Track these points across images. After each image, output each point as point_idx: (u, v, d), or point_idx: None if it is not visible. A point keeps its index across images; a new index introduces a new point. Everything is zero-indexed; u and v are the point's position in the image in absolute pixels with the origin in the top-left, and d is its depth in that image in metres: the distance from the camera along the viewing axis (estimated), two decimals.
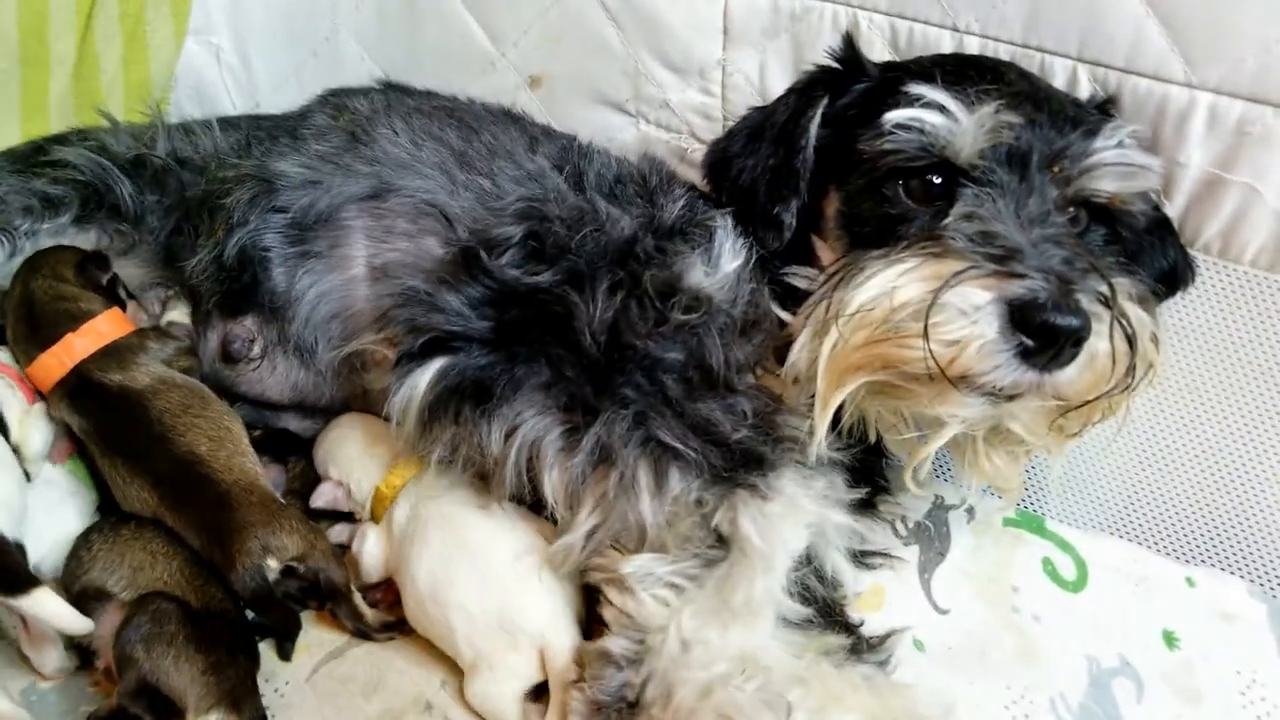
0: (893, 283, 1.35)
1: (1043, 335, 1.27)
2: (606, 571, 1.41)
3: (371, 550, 1.57)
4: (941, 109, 1.41)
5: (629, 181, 1.72)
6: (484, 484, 1.54)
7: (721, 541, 1.40)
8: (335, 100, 1.98)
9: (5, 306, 1.68)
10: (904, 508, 1.73)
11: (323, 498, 1.67)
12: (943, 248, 1.36)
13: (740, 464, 1.39)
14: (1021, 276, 1.29)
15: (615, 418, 1.41)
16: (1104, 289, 1.31)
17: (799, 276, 1.56)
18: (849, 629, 1.47)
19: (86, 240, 1.83)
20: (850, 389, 1.39)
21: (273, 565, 1.44)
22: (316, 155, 1.77)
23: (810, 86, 1.63)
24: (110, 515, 1.58)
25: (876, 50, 1.81)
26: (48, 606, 1.36)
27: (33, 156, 1.86)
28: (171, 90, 2.31)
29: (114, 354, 1.63)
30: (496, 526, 1.52)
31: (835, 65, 1.61)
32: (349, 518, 1.69)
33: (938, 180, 1.44)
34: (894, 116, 1.44)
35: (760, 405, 1.46)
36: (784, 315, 1.54)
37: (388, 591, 1.60)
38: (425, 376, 1.49)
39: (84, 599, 1.42)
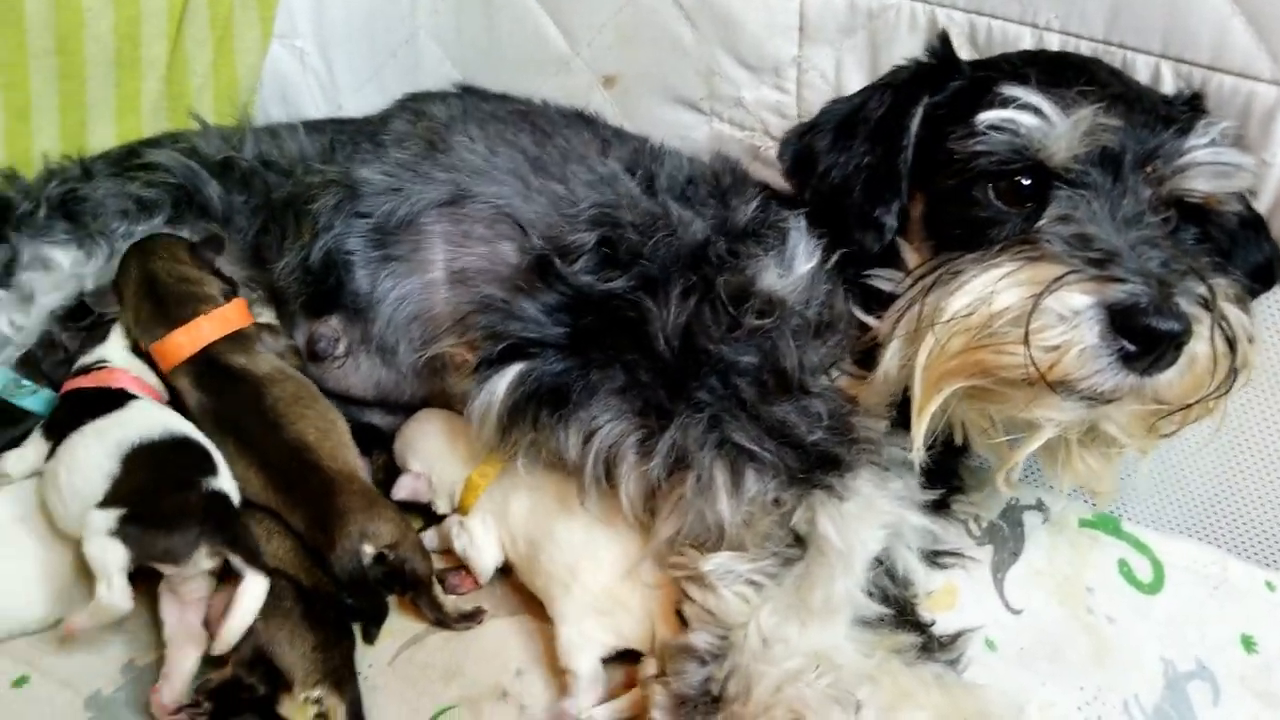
0: (990, 288, 1.34)
1: (1144, 339, 1.26)
2: (687, 569, 1.43)
3: (484, 543, 1.61)
4: (1036, 111, 1.40)
5: (701, 182, 1.74)
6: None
7: (799, 541, 1.41)
8: (414, 106, 2.02)
9: (122, 291, 1.75)
10: (978, 507, 1.72)
11: (404, 489, 1.71)
12: (1040, 251, 1.35)
13: (816, 465, 1.41)
14: (1121, 280, 1.28)
15: (690, 421, 1.43)
16: (1204, 291, 1.30)
17: (883, 279, 1.55)
18: (920, 628, 1.47)
19: None
20: (946, 394, 1.39)
21: (368, 551, 1.49)
22: (396, 163, 1.82)
23: (910, 83, 1.60)
24: None
25: (956, 48, 1.80)
26: (258, 597, 1.41)
27: (127, 160, 1.93)
28: (257, 92, 2.37)
29: (239, 340, 1.71)
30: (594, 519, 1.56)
31: (930, 62, 1.60)
32: (426, 510, 1.73)
33: (1029, 182, 1.43)
34: (987, 117, 1.43)
35: (835, 407, 1.47)
36: (866, 318, 1.54)
37: (467, 579, 1.64)
38: (503, 383, 1.53)
39: None
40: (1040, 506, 1.76)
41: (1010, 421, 1.43)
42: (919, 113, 1.56)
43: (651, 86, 2.17)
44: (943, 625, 1.51)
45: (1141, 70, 1.67)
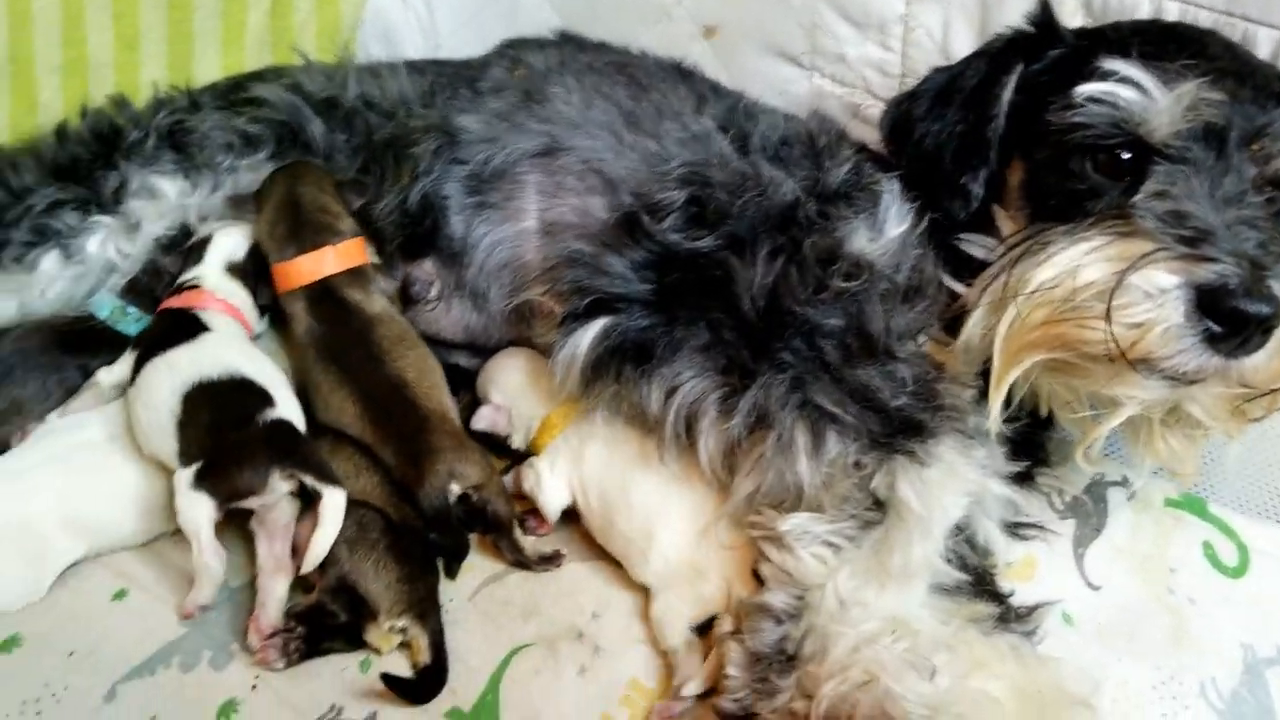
0: (1077, 261, 1.33)
1: (1231, 321, 1.24)
2: (764, 529, 1.44)
3: (550, 484, 1.62)
4: (1136, 85, 1.37)
5: (795, 142, 1.73)
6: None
7: (878, 505, 1.41)
8: (512, 54, 2.03)
9: (263, 204, 1.81)
10: (1061, 481, 1.70)
11: (483, 420, 1.74)
12: (1131, 227, 1.33)
13: (899, 430, 1.40)
14: (1212, 260, 1.26)
15: (772, 381, 1.44)
16: None
17: (977, 246, 1.54)
18: (998, 598, 1.47)
19: None
20: (1025, 366, 1.38)
21: (455, 489, 1.54)
22: (493, 112, 1.83)
23: (1005, 51, 1.58)
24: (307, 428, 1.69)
25: (1069, 15, 1.77)
26: (339, 510, 1.46)
27: (233, 93, 1.97)
28: (359, 30, 2.39)
29: (357, 276, 1.76)
30: (671, 476, 1.57)
31: (1030, 30, 1.58)
32: (510, 454, 1.75)
33: (1128, 156, 1.40)
34: (1086, 90, 1.40)
35: (921, 373, 1.46)
36: (956, 285, 1.53)
37: (545, 523, 1.67)
38: (588, 336, 1.55)
39: None
40: (1125, 484, 1.74)
41: (1093, 396, 1.42)
42: (1012, 81, 1.54)
43: (752, 38, 2.15)
44: (1020, 597, 1.50)
45: (1263, 45, 1.63)
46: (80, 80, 2.08)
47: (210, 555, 1.44)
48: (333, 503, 1.46)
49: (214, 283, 1.77)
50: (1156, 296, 1.27)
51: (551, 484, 1.62)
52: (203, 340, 1.63)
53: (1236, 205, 1.33)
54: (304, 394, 1.69)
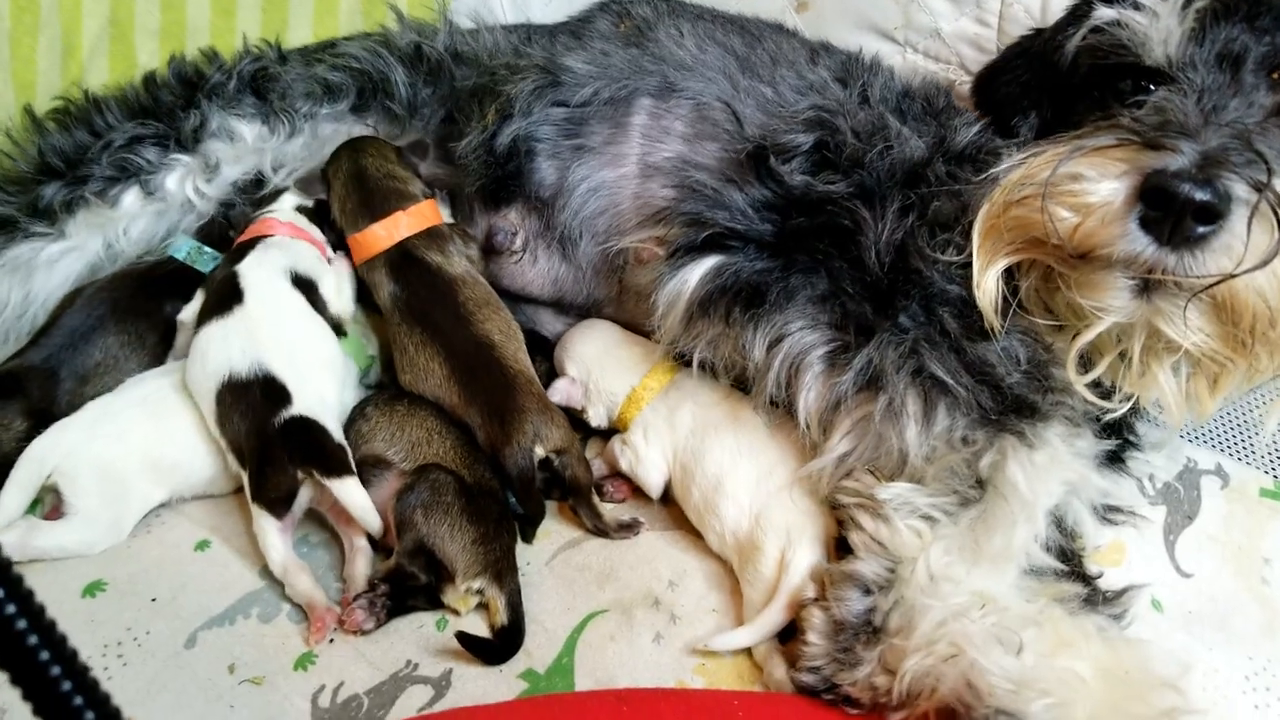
0: (1046, 155, 1.33)
1: (1162, 203, 1.21)
2: (859, 496, 1.41)
3: (648, 457, 1.62)
4: (1145, 8, 1.39)
5: (916, 98, 1.71)
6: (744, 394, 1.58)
7: (979, 483, 1.38)
8: (617, 7, 2.01)
9: (331, 181, 1.82)
10: (1154, 466, 1.66)
11: (559, 393, 1.73)
12: (1109, 127, 1.33)
13: (1011, 409, 1.38)
14: (1165, 149, 1.24)
15: (891, 342, 1.41)
16: (1261, 176, 1.22)
17: None
18: (1086, 579, 1.43)
19: (363, 127, 1.96)
20: (1000, 260, 1.37)
21: (539, 451, 1.54)
22: (601, 51, 1.82)
23: (1079, 5, 1.59)
24: (385, 390, 1.72)
25: None
26: (354, 495, 1.49)
27: (321, 51, 1.99)
28: (451, 2, 2.40)
29: (434, 237, 1.76)
30: (752, 440, 1.55)
31: None
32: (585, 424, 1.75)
33: (1139, 79, 1.42)
34: (1102, 13, 1.43)
35: (1034, 353, 1.42)
36: None
37: (622, 487, 1.67)
38: (698, 271, 1.53)
39: (364, 466, 1.55)
40: (1219, 472, 1.69)
41: (1073, 307, 1.37)
42: (1079, 33, 1.52)
43: (845, 12, 2.12)
44: (1109, 580, 1.46)
45: None
46: (177, 44, 2.13)
47: (279, 567, 1.48)
48: (343, 492, 1.48)
49: (287, 215, 1.81)
50: (1100, 180, 1.25)
51: (649, 457, 1.62)
52: (233, 316, 1.63)
53: (1233, 121, 1.30)
54: (389, 363, 1.73)
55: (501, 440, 1.55)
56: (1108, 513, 1.56)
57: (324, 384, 1.63)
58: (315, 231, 1.81)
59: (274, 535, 1.48)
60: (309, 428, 1.54)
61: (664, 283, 1.56)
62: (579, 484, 1.59)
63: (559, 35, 1.92)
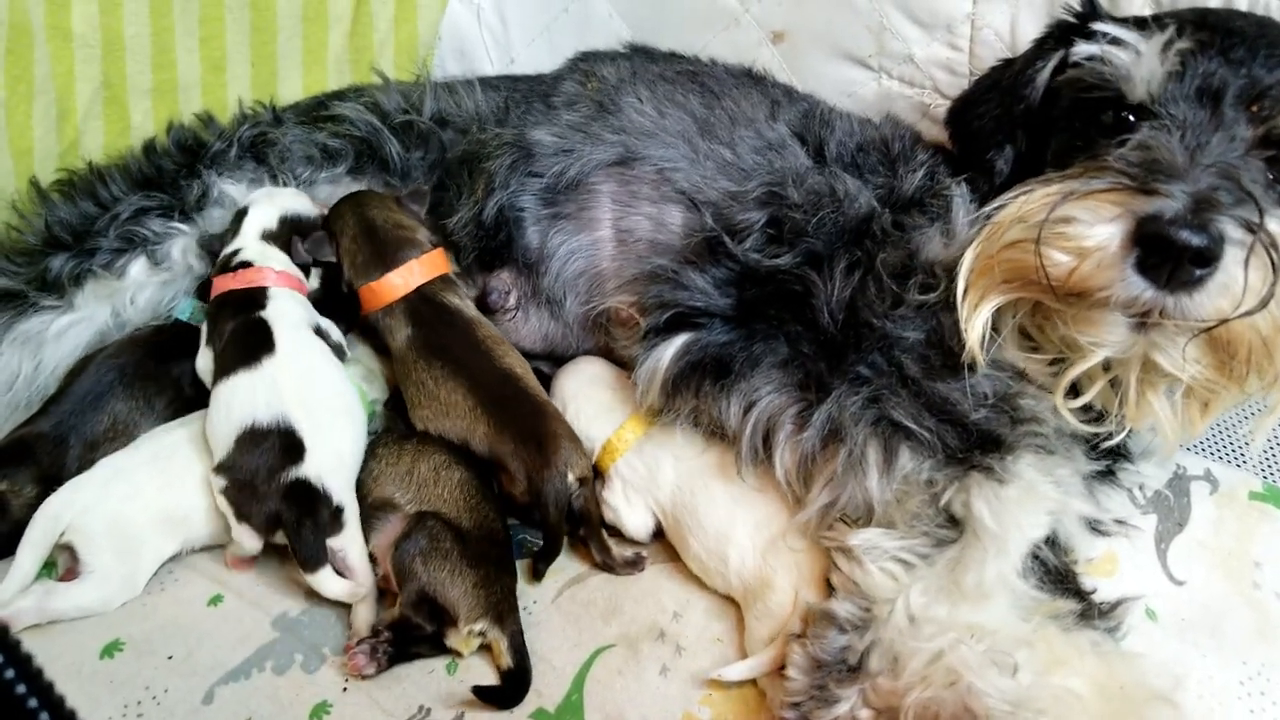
0: (1039, 199, 1.36)
1: (1159, 250, 1.24)
2: (836, 541, 1.45)
3: (627, 514, 1.65)
4: (1125, 44, 1.42)
5: (872, 149, 1.75)
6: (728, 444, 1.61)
7: (954, 522, 1.41)
8: (584, 66, 2.07)
9: (339, 238, 1.84)
10: (1143, 475, 1.68)
11: None
12: (1099, 170, 1.35)
13: (977, 445, 1.41)
14: (1159, 195, 1.27)
15: (847, 395, 1.45)
16: (1252, 216, 1.25)
17: None
18: (1080, 594, 1.46)
19: (359, 187, 1.99)
20: (992, 302, 1.40)
21: (571, 477, 1.57)
22: (567, 124, 1.87)
23: (1045, 39, 1.63)
24: (392, 431, 1.75)
25: (1139, 4, 1.76)
26: (327, 585, 1.53)
27: (315, 110, 2.04)
28: (436, 48, 2.45)
29: (448, 282, 1.81)
30: (744, 487, 1.59)
31: (1071, 20, 1.59)
32: None
33: (1118, 113, 1.44)
34: (1082, 49, 1.47)
35: (1001, 386, 1.46)
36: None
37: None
38: (669, 350, 1.58)
39: (373, 510, 1.59)
40: (1208, 478, 1.72)
41: (1066, 341, 1.41)
42: (1048, 66, 1.58)
43: (820, 42, 2.16)
44: (1103, 593, 1.49)
45: None
46: (170, 102, 2.18)
47: (245, 540, 1.57)
48: (316, 583, 1.53)
49: (255, 251, 1.81)
50: (1094, 224, 1.28)
51: (630, 515, 1.65)
52: (262, 368, 1.65)
53: (1217, 158, 1.33)
54: (399, 405, 1.77)
55: (540, 464, 1.57)
56: (1098, 524, 1.58)
57: (345, 435, 1.65)
58: (293, 269, 1.83)
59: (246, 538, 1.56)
60: (309, 501, 1.55)
61: (641, 363, 1.62)
62: (591, 517, 1.62)
63: (534, 102, 1.97)
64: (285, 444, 1.57)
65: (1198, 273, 1.25)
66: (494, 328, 1.79)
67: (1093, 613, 1.43)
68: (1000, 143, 1.61)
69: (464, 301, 1.80)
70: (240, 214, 1.85)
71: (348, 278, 1.83)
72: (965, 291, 1.42)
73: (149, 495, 1.58)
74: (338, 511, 1.56)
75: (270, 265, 1.79)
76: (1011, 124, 1.60)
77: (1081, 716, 1.23)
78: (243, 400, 1.62)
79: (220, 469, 1.57)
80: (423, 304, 1.77)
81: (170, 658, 1.47)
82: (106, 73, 2.10)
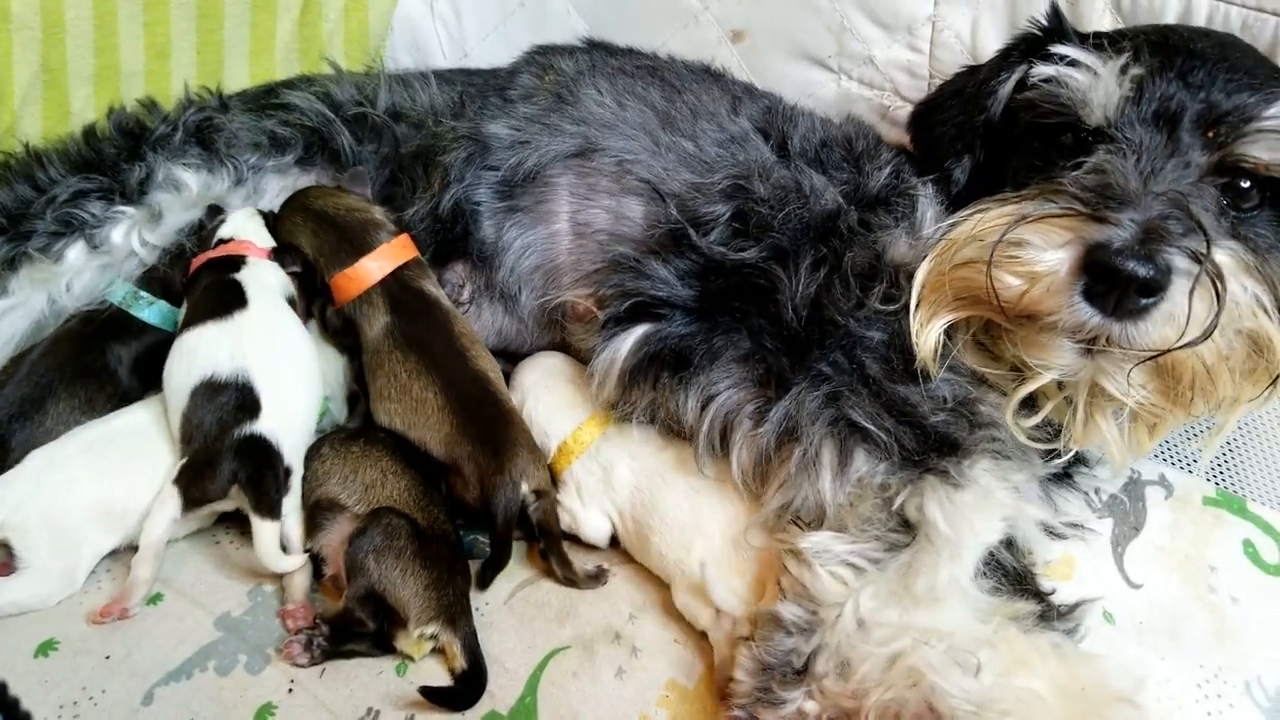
0: (992, 220, 1.37)
1: (1106, 278, 1.26)
2: (787, 544, 1.42)
3: (584, 519, 1.62)
4: (1083, 66, 1.43)
5: (835, 146, 1.74)
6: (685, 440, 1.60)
7: (907, 526, 1.39)
8: (541, 59, 2.04)
9: (298, 240, 1.80)
10: (1099, 479, 1.69)
11: None
12: (1053, 193, 1.36)
13: (933, 448, 1.40)
14: (1110, 223, 1.28)
15: (806, 393, 1.44)
16: (1199, 246, 1.27)
17: None
18: (1039, 596, 1.45)
19: (307, 180, 1.95)
20: (943, 318, 1.41)
21: (525, 487, 1.54)
22: (524, 116, 1.85)
23: (1009, 51, 1.63)
24: (340, 431, 1.72)
25: (1098, 15, 1.77)
26: (265, 539, 1.50)
27: (264, 98, 1.99)
28: (388, 39, 2.40)
29: (423, 267, 1.77)
30: (704, 480, 1.57)
31: (1037, 33, 1.59)
32: None
33: (1075, 135, 1.45)
34: (1040, 71, 1.47)
35: (962, 391, 1.45)
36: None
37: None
38: (628, 342, 1.56)
39: (318, 509, 1.55)
40: (1163, 482, 1.73)
41: (1017, 360, 1.42)
42: (1011, 79, 1.58)
43: (780, 42, 2.15)
44: (1061, 595, 1.49)
45: None
46: (112, 89, 2.11)
47: (148, 559, 1.48)
48: (259, 531, 1.49)
49: (240, 228, 1.79)
50: (1045, 249, 1.30)
51: (587, 519, 1.62)
52: (233, 320, 1.64)
53: (1169, 184, 1.34)
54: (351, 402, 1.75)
55: (493, 470, 1.54)
56: (1054, 529, 1.58)
57: (302, 399, 1.64)
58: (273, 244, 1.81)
59: (167, 515, 1.49)
60: (264, 453, 1.54)
61: (598, 354, 1.59)
62: (551, 529, 1.58)
63: (489, 96, 1.94)
64: (241, 400, 1.56)
65: (1143, 302, 1.27)
66: (467, 322, 1.76)
67: (1052, 614, 1.43)
68: (959, 152, 1.62)
69: (440, 291, 1.76)
70: (218, 222, 1.83)
71: (321, 270, 1.78)
72: (918, 306, 1.42)
73: (84, 487, 1.53)
74: (287, 472, 1.55)
75: (253, 240, 1.78)
76: (972, 134, 1.61)
77: (1044, 717, 1.22)
78: (208, 350, 1.60)
79: (181, 445, 1.55)
80: (403, 291, 1.73)
81: (108, 657, 1.42)
82: (46, 57, 2.03)
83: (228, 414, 1.54)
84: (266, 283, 1.73)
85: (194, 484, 1.51)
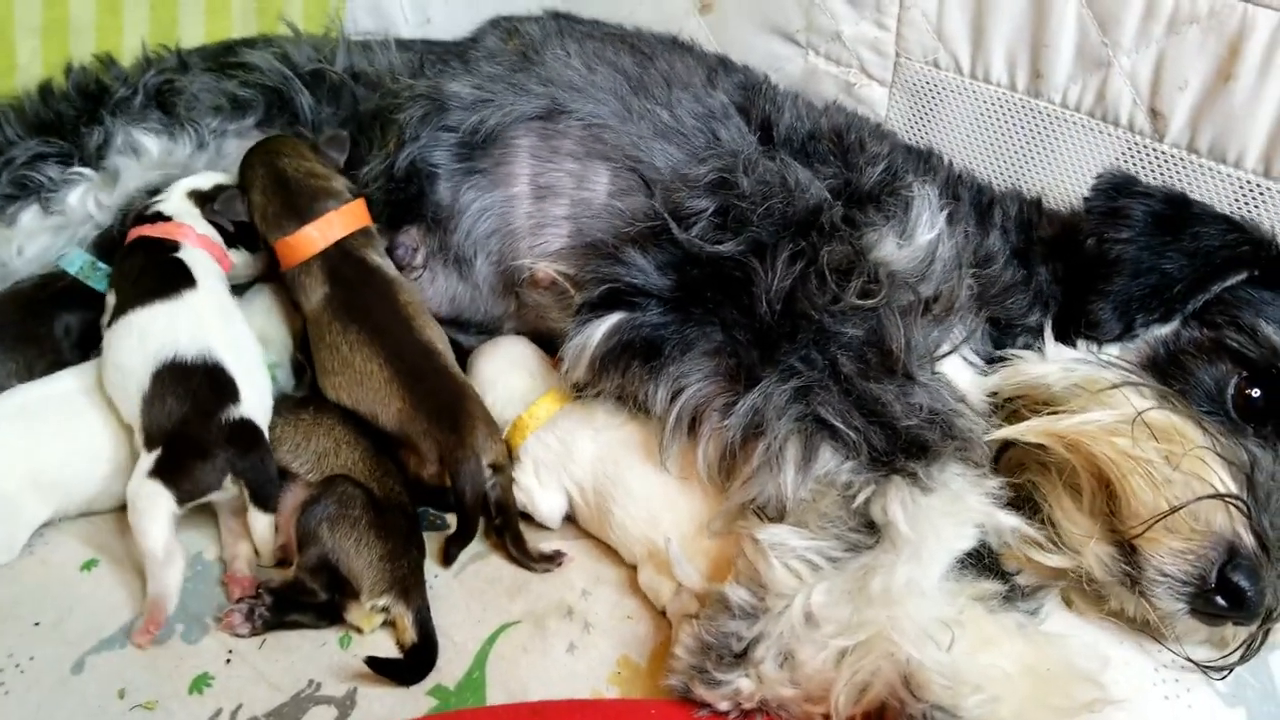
0: (1184, 430, 1.40)
1: (1234, 595, 1.31)
2: (746, 530, 1.39)
3: (540, 497, 1.59)
4: None
5: (822, 138, 1.71)
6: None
7: (871, 528, 1.35)
8: (506, 24, 2.01)
9: (249, 190, 1.74)
10: None
11: None
12: (1233, 457, 1.38)
13: (903, 449, 1.36)
14: (1260, 540, 1.32)
15: (775, 388, 1.40)
16: None
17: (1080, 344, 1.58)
18: (1004, 576, 1.43)
19: None
20: (1039, 443, 1.45)
21: (485, 461, 1.50)
22: (488, 75, 1.80)
23: (1245, 251, 1.56)
24: (288, 399, 1.67)
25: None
26: (262, 530, 1.47)
27: (223, 56, 1.94)
28: (348, 1, 2.35)
29: (369, 236, 1.71)
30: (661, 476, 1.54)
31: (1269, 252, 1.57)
32: None
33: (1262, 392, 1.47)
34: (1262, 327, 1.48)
35: (939, 405, 1.42)
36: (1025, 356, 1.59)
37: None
38: (601, 328, 1.51)
39: None
40: None
41: (1059, 535, 1.44)
42: (1230, 281, 1.54)
43: (748, 14, 2.13)
44: (1022, 577, 1.46)
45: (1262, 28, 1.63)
46: (60, 43, 2.04)
47: (164, 557, 1.41)
48: (256, 522, 1.46)
49: (177, 208, 1.72)
50: (1201, 516, 1.33)
51: (543, 496, 1.58)
52: (183, 300, 1.58)
53: None
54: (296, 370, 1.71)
55: (455, 445, 1.49)
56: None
57: (264, 381, 1.59)
58: (214, 236, 1.73)
59: (163, 515, 1.41)
60: (257, 440, 1.48)
61: (570, 338, 1.54)
62: (508, 506, 1.54)
63: (450, 60, 1.90)
64: (214, 382, 1.50)
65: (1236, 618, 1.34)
66: (416, 292, 1.70)
67: (1016, 595, 1.41)
68: (1156, 314, 1.54)
69: (385, 260, 1.70)
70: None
71: (263, 232, 1.72)
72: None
73: (16, 456, 1.46)
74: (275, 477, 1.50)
75: (190, 225, 1.70)
76: (1175, 304, 1.53)
77: (1012, 695, 1.20)
78: (162, 328, 1.53)
79: (149, 441, 1.47)
80: (343, 261, 1.66)
81: (37, 624, 1.38)
82: None
83: (204, 398, 1.48)
84: (207, 267, 1.66)
85: (184, 476, 1.43)
